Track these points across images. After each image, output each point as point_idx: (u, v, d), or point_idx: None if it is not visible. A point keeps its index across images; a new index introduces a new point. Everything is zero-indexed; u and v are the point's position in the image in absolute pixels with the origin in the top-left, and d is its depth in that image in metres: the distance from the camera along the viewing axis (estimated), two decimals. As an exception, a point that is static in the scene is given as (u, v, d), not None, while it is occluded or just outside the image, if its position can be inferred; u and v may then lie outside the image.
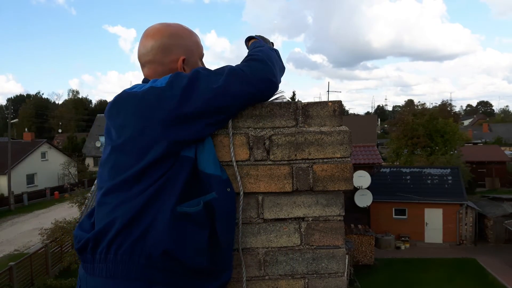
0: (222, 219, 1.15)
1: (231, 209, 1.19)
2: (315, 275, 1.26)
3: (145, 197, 1.10)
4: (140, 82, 1.31)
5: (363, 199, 19.30)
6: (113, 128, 1.20)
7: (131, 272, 1.07)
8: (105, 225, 1.11)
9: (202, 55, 1.41)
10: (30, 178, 34.81)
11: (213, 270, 1.15)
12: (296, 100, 1.33)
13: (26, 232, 22.18)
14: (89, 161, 44.13)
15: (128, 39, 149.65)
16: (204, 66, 1.38)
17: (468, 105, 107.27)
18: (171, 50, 1.30)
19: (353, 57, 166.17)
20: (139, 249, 1.07)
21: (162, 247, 1.06)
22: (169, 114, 1.11)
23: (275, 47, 1.54)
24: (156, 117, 1.11)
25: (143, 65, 1.34)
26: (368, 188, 19.26)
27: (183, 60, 1.31)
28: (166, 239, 1.07)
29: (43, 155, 36.58)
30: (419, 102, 57.30)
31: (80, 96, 77.72)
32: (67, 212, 22.68)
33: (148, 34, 1.32)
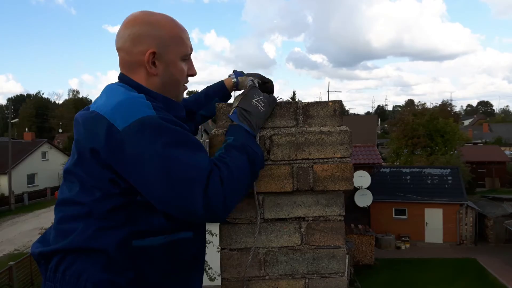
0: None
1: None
2: (315, 275, 1.26)
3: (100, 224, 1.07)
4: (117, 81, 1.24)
5: (363, 199, 19.29)
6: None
7: None
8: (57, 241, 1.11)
9: (185, 54, 1.23)
10: (31, 178, 34.79)
11: None
12: (296, 100, 1.33)
13: (26, 232, 22.16)
14: (89, 161, 44.07)
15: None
16: (189, 68, 1.26)
17: (468, 105, 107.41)
18: (141, 40, 1.16)
19: (353, 56, 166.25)
20: (86, 275, 1.04)
21: (108, 277, 1.04)
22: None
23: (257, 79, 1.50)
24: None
25: (117, 52, 1.23)
26: (368, 188, 19.26)
27: (152, 53, 1.16)
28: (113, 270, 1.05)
29: (44, 155, 36.57)
30: (419, 102, 57.40)
31: (80, 96, 77.74)
32: (67, 212, 22.64)
33: (125, 20, 1.20)
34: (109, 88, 1.17)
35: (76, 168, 1.10)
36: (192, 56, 1.28)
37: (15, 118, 49.61)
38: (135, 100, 1.07)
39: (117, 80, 1.23)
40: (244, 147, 1.10)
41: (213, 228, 8.34)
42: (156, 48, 1.16)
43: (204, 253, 1.25)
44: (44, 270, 1.10)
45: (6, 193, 30.17)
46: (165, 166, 0.99)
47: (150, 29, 1.17)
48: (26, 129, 46.69)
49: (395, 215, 21.18)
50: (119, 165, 1.02)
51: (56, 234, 1.11)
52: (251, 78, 1.51)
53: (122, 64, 1.21)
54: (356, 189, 18.97)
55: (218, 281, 6.79)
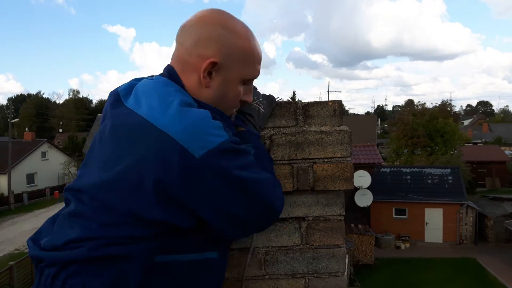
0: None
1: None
2: (315, 274, 1.26)
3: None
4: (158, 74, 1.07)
5: (363, 199, 19.30)
6: None
7: None
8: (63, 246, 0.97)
9: (249, 78, 1.06)
10: (30, 178, 34.79)
11: None
12: (296, 100, 1.32)
13: (26, 232, 22.15)
14: (89, 161, 44.05)
15: (128, 39, 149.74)
16: (245, 94, 1.08)
17: (468, 105, 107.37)
18: (207, 44, 0.99)
19: (353, 56, 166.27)
20: None
21: None
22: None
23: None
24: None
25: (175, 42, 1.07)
26: (368, 188, 19.26)
27: (212, 63, 0.99)
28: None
29: (44, 154, 36.57)
30: (419, 102, 57.43)
31: (80, 96, 77.75)
32: (67, 211, 22.65)
33: (199, 14, 1.03)
34: (159, 86, 0.99)
35: (111, 194, 0.93)
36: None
37: (15, 118, 49.60)
38: (207, 121, 0.91)
39: (162, 71, 1.08)
40: (265, 153, 1.13)
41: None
42: (219, 59, 0.99)
43: (223, 279, 1.13)
44: (39, 273, 0.99)
45: (6, 192, 30.17)
46: (250, 189, 0.94)
47: (222, 34, 1.00)
48: (26, 129, 46.65)
49: (395, 215, 21.19)
50: (192, 197, 0.90)
51: (62, 237, 0.97)
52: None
53: (177, 58, 1.04)
54: (356, 189, 18.97)
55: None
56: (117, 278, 0.90)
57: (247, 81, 1.08)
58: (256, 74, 1.08)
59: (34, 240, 1.07)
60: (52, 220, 1.09)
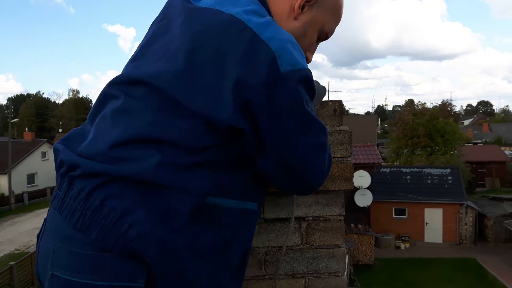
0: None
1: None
2: (315, 274, 1.26)
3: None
4: None
5: (363, 199, 19.30)
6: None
7: (115, 242, 0.76)
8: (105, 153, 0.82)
9: (327, 31, 1.05)
10: (31, 178, 34.79)
11: None
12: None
13: (27, 232, 22.18)
14: (89, 161, 44.10)
15: (128, 38, 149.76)
16: (310, 51, 1.05)
17: (468, 105, 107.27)
18: None
19: (353, 56, 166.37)
20: (132, 218, 0.77)
21: (162, 231, 0.79)
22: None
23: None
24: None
25: None
26: (368, 188, 19.26)
27: (305, 1, 0.96)
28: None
29: (44, 154, 36.57)
30: (419, 101, 57.39)
31: (80, 96, 77.76)
32: (67, 211, 22.67)
33: None
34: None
35: (179, 85, 0.83)
36: None
37: (15, 118, 49.60)
38: (298, 44, 0.87)
39: None
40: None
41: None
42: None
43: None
44: (67, 184, 0.82)
45: (6, 193, 30.17)
46: (312, 127, 0.88)
47: None
48: (26, 129, 46.65)
49: (395, 215, 21.20)
50: (263, 110, 0.82)
51: (105, 141, 0.82)
52: None
53: None
54: (356, 189, 18.97)
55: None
56: (163, 214, 0.79)
57: (322, 36, 1.05)
58: (332, 32, 1.06)
59: (65, 144, 0.91)
60: (81, 130, 0.95)
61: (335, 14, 1.04)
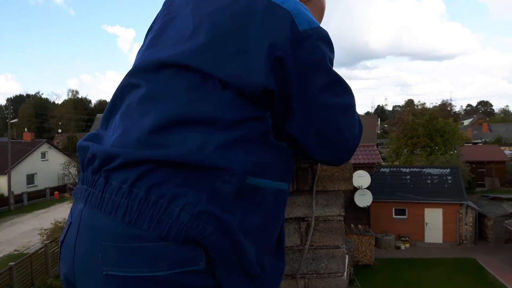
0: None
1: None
2: (315, 275, 1.25)
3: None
4: None
5: (363, 199, 19.28)
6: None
7: (169, 228, 0.73)
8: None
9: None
10: (30, 178, 34.77)
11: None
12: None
13: (26, 232, 22.16)
14: (89, 161, 44.07)
15: (127, 39, 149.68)
16: None
17: (468, 105, 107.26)
18: None
19: (352, 56, 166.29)
20: (184, 201, 0.74)
21: (215, 211, 0.76)
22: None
23: None
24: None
25: None
26: (368, 188, 19.24)
27: None
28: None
29: (43, 155, 36.56)
30: (419, 102, 57.43)
31: (79, 96, 77.76)
32: (67, 212, 22.60)
33: None
34: None
35: (208, 58, 0.83)
36: None
37: (14, 118, 49.59)
38: (306, 7, 0.92)
39: None
40: None
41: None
42: None
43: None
44: (103, 180, 0.78)
45: (6, 193, 30.15)
46: (338, 85, 0.90)
47: None
48: (26, 129, 46.69)
49: (395, 215, 21.20)
50: (289, 69, 0.85)
51: (145, 139, 0.79)
52: None
53: None
54: (355, 189, 18.95)
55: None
56: (211, 196, 0.76)
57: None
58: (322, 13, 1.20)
59: (92, 141, 0.89)
60: (96, 135, 0.91)
61: (321, 17, 1.12)
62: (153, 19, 1.06)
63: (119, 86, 0.92)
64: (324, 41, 0.88)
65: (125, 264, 0.73)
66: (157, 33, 0.95)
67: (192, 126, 0.79)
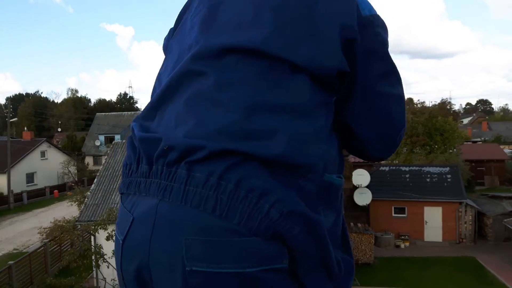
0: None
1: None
2: (314, 274, 1.24)
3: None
4: None
5: (363, 198, 19.31)
6: None
7: (258, 225, 0.70)
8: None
9: None
10: (30, 177, 34.79)
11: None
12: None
13: (26, 231, 22.18)
14: (88, 160, 44.13)
15: (126, 37, 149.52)
16: None
17: (468, 103, 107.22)
18: None
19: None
20: (275, 197, 0.72)
21: (305, 210, 0.73)
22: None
23: None
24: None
25: None
26: (367, 187, 19.27)
27: None
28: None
29: (43, 154, 36.57)
30: (418, 100, 57.48)
31: (79, 95, 77.72)
32: (66, 211, 22.65)
33: None
34: None
35: (275, 39, 0.79)
36: None
37: (14, 117, 49.58)
38: None
39: None
40: None
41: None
42: None
43: None
44: (186, 170, 0.74)
45: (5, 192, 30.17)
46: (394, 74, 0.90)
47: None
48: (25, 128, 46.61)
49: (395, 213, 21.21)
50: (356, 52, 0.85)
51: (230, 130, 0.75)
52: None
53: None
54: (355, 187, 18.97)
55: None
56: (298, 193, 0.74)
57: None
58: None
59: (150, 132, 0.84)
60: (146, 127, 0.86)
61: None
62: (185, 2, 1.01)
63: (174, 75, 0.85)
64: (384, 29, 0.89)
65: (213, 260, 0.70)
66: (206, 17, 0.88)
67: (271, 114, 0.75)
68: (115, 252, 0.86)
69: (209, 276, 0.70)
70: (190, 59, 0.83)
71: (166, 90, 0.85)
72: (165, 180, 0.75)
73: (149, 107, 0.88)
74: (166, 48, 1.01)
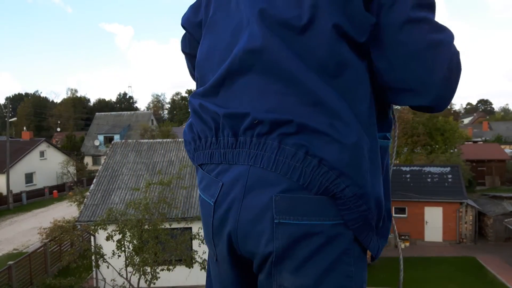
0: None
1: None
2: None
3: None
4: None
5: (363, 198, 19.27)
6: None
7: (333, 195, 0.81)
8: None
9: None
10: (29, 177, 34.73)
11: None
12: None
13: (25, 231, 22.13)
14: (87, 160, 44.09)
15: (125, 37, 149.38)
16: None
17: (468, 103, 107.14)
18: None
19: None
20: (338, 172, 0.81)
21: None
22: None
23: None
24: None
25: None
26: (368, 187, 19.23)
27: None
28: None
29: (42, 154, 36.51)
30: (418, 100, 57.33)
31: (78, 95, 77.71)
32: (65, 211, 22.62)
33: None
34: None
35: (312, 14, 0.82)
36: None
37: (13, 117, 49.51)
38: None
39: None
40: None
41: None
42: None
43: None
44: (278, 142, 0.82)
45: (4, 192, 30.10)
46: (427, 6, 0.85)
47: None
48: (24, 128, 46.58)
49: (395, 213, 21.18)
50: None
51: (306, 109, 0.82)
52: None
53: None
54: (356, 187, 18.95)
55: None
56: (366, 178, 0.83)
57: None
58: None
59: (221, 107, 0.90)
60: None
61: None
62: None
63: (238, 52, 0.87)
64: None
65: (296, 213, 0.81)
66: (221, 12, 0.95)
67: (328, 79, 0.82)
68: (203, 215, 0.95)
69: (295, 227, 0.81)
70: (245, 50, 0.86)
71: (230, 67, 0.88)
72: (255, 149, 0.84)
73: (212, 83, 0.92)
74: (200, 24, 1.03)
